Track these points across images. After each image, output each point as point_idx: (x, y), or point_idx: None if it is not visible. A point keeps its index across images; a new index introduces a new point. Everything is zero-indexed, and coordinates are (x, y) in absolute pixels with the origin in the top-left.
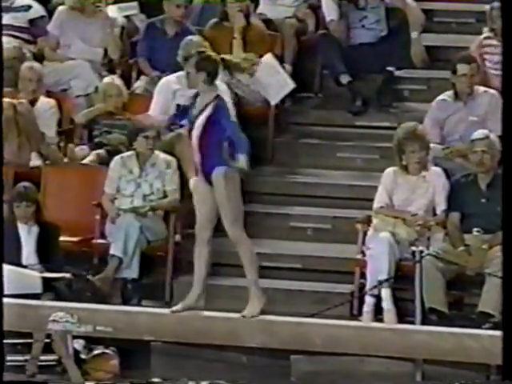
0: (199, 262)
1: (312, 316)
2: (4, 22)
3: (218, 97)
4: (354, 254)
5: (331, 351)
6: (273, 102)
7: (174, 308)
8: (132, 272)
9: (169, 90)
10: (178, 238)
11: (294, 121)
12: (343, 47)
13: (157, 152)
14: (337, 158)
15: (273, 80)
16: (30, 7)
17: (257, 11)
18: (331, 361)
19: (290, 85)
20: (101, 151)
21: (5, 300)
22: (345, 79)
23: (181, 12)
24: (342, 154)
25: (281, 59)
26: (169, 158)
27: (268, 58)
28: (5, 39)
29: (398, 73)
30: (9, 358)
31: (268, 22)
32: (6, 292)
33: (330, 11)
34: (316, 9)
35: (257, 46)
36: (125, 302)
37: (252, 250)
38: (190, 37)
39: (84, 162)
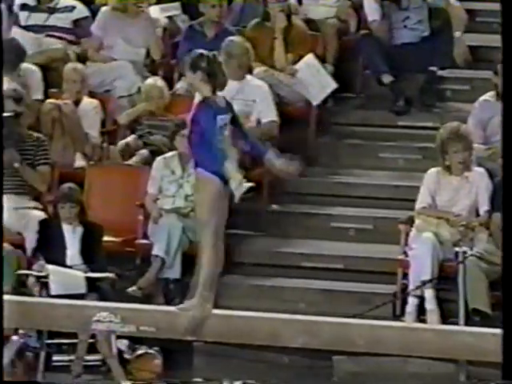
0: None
1: (354, 316)
2: (48, 23)
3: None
4: (396, 255)
5: (373, 352)
6: (314, 103)
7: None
8: (174, 272)
9: None
10: None
11: (336, 121)
12: (385, 47)
13: None
14: (379, 159)
15: (314, 80)
16: (74, 8)
17: (298, 11)
18: (373, 361)
19: (332, 85)
20: (144, 151)
21: (51, 300)
22: (387, 79)
23: (217, 12)
24: (384, 154)
25: (322, 59)
26: None
27: (310, 58)
28: (49, 40)
29: (440, 73)
30: (55, 358)
31: (309, 22)
32: (52, 293)
33: (372, 11)
34: (358, 9)
35: (298, 47)
36: (167, 302)
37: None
38: (230, 37)
39: (127, 162)
